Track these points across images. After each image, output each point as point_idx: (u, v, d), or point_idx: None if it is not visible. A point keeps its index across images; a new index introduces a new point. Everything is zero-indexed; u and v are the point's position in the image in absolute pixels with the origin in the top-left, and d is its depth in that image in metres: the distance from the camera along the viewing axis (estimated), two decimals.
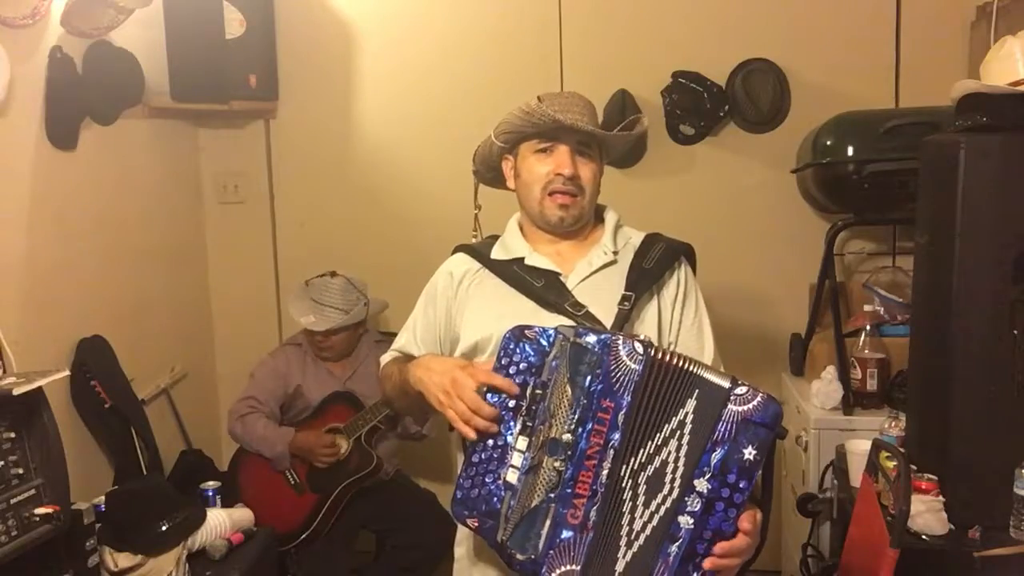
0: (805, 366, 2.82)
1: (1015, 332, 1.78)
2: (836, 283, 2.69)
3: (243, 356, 3.21)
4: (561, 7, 3.11)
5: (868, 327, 2.54)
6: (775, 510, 2.51)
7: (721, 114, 3.04)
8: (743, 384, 1.31)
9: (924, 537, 1.79)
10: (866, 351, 2.53)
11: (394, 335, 3.13)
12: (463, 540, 1.60)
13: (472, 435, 1.36)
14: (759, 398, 1.30)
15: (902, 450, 1.93)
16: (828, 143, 2.61)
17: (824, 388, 2.54)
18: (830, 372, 2.55)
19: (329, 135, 3.31)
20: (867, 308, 2.61)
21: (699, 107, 3.02)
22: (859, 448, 2.15)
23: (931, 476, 1.84)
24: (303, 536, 2.83)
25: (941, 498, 1.81)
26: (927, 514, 1.79)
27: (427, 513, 2.95)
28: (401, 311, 3.23)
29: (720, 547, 1.29)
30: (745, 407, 1.29)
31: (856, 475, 2.10)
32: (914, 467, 1.85)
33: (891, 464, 1.87)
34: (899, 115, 2.59)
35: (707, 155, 3.10)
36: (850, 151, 2.55)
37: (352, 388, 2.98)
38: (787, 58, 2.99)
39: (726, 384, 1.31)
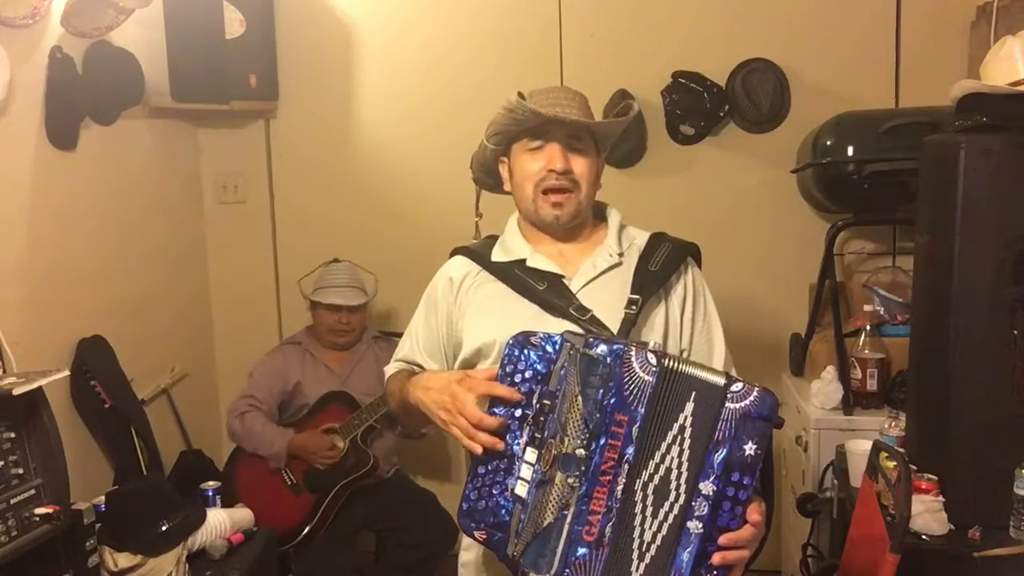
0: (805, 366, 2.82)
1: (1015, 332, 1.78)
2: (836, 283, 2.69)
3: (243, 356, 3.21)
4: (561, 7, 3.11)
5: (868, 327, 2.54)
6: (775, 510, 2.51)
7: (721, 114, 3.04)
8: (738, 380, 1.29)
9: (924, 537, 1.78)
10: (866, 351, 2.53)
11: (394, 333, 3.20)
12: (470, 547, 1.57)
13: (478, 450, 1.33)
14: (755, 392, 1.28)
15: (902, 451, 1.93)
16: (828, 143, 2.61)
17: (824, 388, 2.54)
18: (830, 372, 2.54)
19: (329, 135, 3.31)
20: (867, 308, 2.60)
21: (699, 107, 3.02)
22: (859, 448, 2.15)
23: (931, 476, 1.84)
24: (300, 536, 2.83)
25: (941, 498, 1.81)
26: (927, 514, 1.78)
27: (427, 512, 2.96)
28: (401, 309, 3.29)
29: (726, 537, 1.26)
30: (743, 403, 1.27)
31: (856, 475, 2.10)
32: (914, 467, 1.85)
33: (891, 465, 1.87)
34: (899, 115, 2.59)
35: (707, 155, 3.10)
36: (850, 151, 2.55)
37: (351, 386, 2.99)
38: (787, 58, 2.99)
39: (721, 382, 1.29)
